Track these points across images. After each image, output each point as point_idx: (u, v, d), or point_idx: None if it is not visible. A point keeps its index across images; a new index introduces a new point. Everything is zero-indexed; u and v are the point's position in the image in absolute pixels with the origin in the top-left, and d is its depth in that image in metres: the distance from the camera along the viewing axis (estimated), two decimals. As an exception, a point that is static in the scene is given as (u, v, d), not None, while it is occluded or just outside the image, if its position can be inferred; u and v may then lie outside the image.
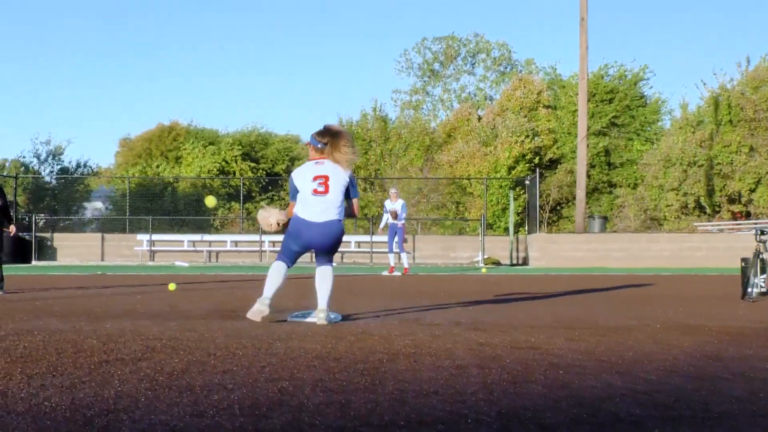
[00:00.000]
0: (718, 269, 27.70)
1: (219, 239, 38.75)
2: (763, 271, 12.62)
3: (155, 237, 37.78)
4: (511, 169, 44.96)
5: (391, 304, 11.41)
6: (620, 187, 47.72)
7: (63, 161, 49.56)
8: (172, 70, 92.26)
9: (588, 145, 40.49)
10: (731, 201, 41.89)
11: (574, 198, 39.44)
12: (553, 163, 48.78)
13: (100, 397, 4.30)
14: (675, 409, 4.10)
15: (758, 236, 12.75)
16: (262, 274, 22.97)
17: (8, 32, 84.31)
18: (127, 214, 40.87)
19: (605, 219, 37.80)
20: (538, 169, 39.83)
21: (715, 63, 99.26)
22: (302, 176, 8.63)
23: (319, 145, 8.64)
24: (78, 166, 50.33)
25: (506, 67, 62.71)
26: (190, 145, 50.83)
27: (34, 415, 3.89)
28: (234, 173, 49.84)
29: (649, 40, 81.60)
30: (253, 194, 50.19)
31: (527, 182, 39.91)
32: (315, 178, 8.53)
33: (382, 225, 24.71)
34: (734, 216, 41.30)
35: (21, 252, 36.27)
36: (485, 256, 34.87)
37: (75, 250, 37.77)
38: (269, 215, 9.05)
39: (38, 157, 49.13)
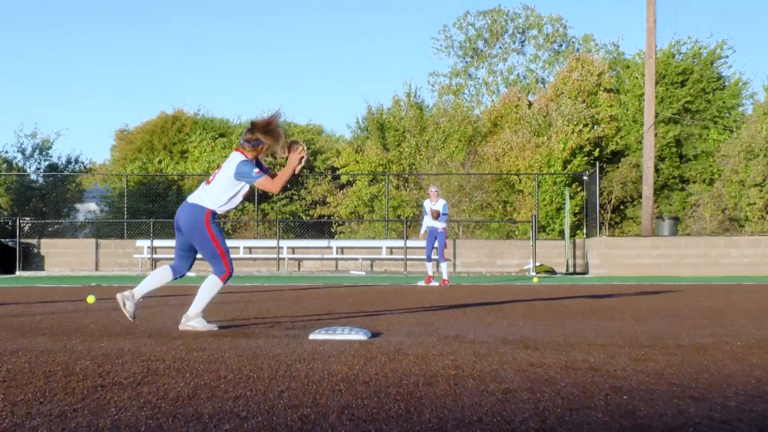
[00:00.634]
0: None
1: (231, 245, 38.73)
2: None
3: (157, 243, 37.93)
4: (566, 162, 44.88)
5: (429, 318, 11.40)
6: (694, 182, 47.49)
7: (51, 157, 49.81)
8: (176, 51, 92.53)
9: (656, 135, 40.34)
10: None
11: (640, 196, 39.31)
12: (616, 156, 48.66)
13: (95, 427, 4.32)
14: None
15: None
16: (280, 284, 23.01)
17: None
18: (125, 216, 41.10)
19: (676, 220, 37.65)
20: (598, 163, 39.73)
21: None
22: None
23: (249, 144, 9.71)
24: (69, 162, 50.54)
25: (561, 45, 62.66)
26: (198, 137, 51.07)
27: (19, 448, 3.92)
28: (247, 169, 49.86)
29: (728, 13, 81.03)
30: (270, 194, 50.21)
31: (585, 178, 39.83)
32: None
33: (423, 230, 24.70)
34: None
35: (4, 261, 36.50)
36: (537, 264, 34.82)
37: (65, 259, 37.94)
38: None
39: (23, 152, 49.45)
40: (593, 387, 5.58)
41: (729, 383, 5.77)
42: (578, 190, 43.30)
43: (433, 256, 24.25)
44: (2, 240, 38.51)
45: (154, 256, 37.49)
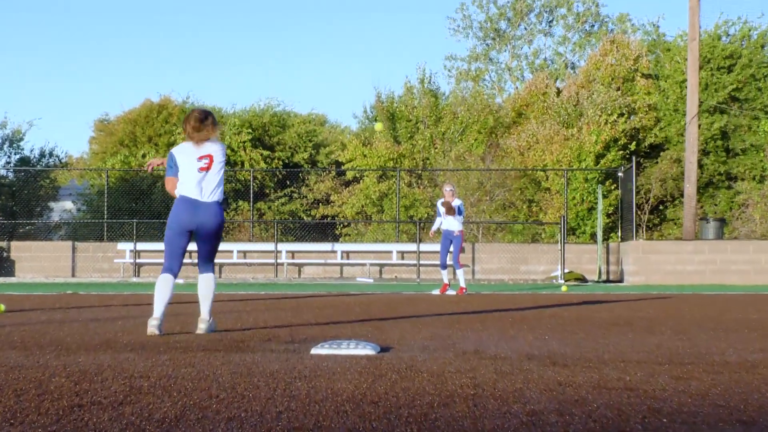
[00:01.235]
0: None
1: (223, 249, 38.80)
2: None
3: (141, 246, 37.97)
4: (599, 157, 44.89)
5: (445, 331, 11.41)
6: (742, 180, 47.45)
7: (23, 150, 49.85)
8: (163, 32, 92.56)
9: (700, 127, 40.33)
10: None
11: (682, 195, 39.29)
12: (655, 150, 48.65)
13: (72, 452, 4.32)
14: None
15: None
16: (278, 293, 23.03)
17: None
18: (105, 217, 41.15)
19: (722, 222, 37.62)
20: (634, 158, 39.69)
21: None
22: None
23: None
24: (42, 155, 50.60)
25: (593, 26, 62.69)
26: (186, 128, 51.03)
27: (-13, 474, 3.92)
28: (242, 164, 50.00)
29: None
30: (267, 190, 50.31)
31: (620, 174, 39.81)
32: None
33: (434, 227, 24.55)
34: None
35: (-30, 266, 36.56)
36: (566, 271, 34.83)
37: (38, 264, 37.98)
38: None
39: (-10, 144, 49.45)
40: (629, 409, 5.58)
41: (781, 405, 5.76)
42: (612, 188, 43.31)
43: (448, 262, 24.23)
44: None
45: (137, 260, 37.49)
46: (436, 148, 49.54)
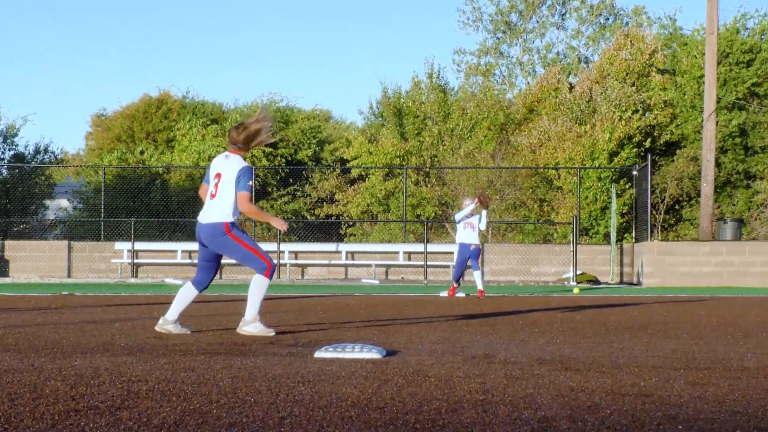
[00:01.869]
0: None
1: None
2: None
3: (139, 246, 37.99)
4: (613, 155, 44.86)
5: (453, 335, 11.41)
6: (761, 179, 47.41)
7: (17, 146, 49.84)
8: (162, 26, 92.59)
9: (717, 124, 40.31)
10: None
11: (699, 194, 39.27)
12: (671, 148, 48.62)
13: (68, 458, 4.33)
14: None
15: None
16: (281, 294, 23.04)
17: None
18: (102, 215, 41.11)
19: (741, 222, 37.60)
20: (649, 156, 39.67)
21: None
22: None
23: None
24: (37, 152, 50.62)
25: (607, 19, 62.65)
26: (186, 124, 51.13)
27: (-20, 481, 3.93)
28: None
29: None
30: (270, 189, 50.35)
31: (635, 173, 39.80)
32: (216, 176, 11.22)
33: (465, 212, 23.67)
34: None
35: (-37, 266, 36.59)
36: (578, 272, 34.83)
37: (33, 263, 37.97)
38: None
39: (-16, 140, 49.49)
40: (644, 415, 5.59)
41: (801, 412, 5.76)
42: (626, 186, 43.30)
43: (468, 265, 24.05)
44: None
45: (136, 260, 37.48)
46: (444, 146, 49.51)
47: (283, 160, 51.43)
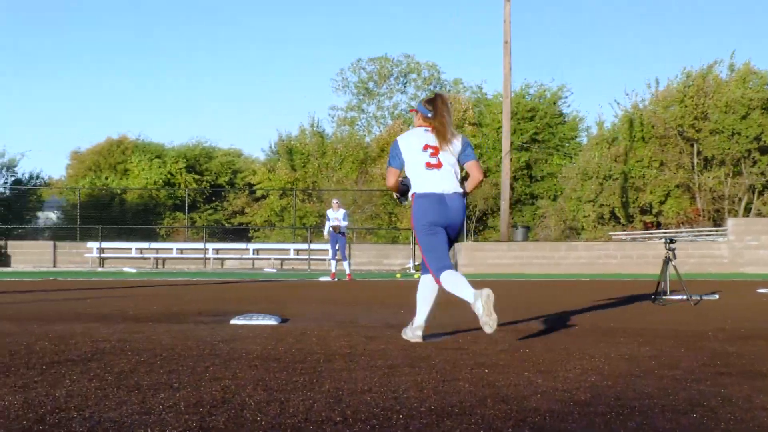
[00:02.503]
0: (631, 275, 28.06)
1: (165, 247, 38.51)
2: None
3: (105, 245, 37.50)
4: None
5: (328, 308, 11.40)
6: (541, 198, 48.12)
7: (17, 173, 48.89)
8: (121, 86, 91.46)
9: (511, 160, 40.81)
10: (643, 212, 42.52)
11: (499, 209, 39.72)
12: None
13: (52, 396, 4.25)
14: (592, 405, 4.15)
15: (668, 245, 12.95)
16: (206, 279, 22.83)
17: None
18: (78, 223, 40.45)
19: (528, 228, 38.12)
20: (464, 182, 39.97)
21: (628, 83, 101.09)
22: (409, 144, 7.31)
23: (429, 114, 7.31)
24: (31, 177, 49.71)
25: (435, 86, 62.97)
26: (138, 158, 50.42)
27: (-12, 414, 3.84)
28: (179, 185, 49.52)
29: (567, 63, 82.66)
30: (198, 204, 49.98)
31: (455, 194, 40.03)
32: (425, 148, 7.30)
33: (326, 231, 23.97)
34: (646, 226, 41.90)
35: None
36: (416, 263, 34.99)
37: (28, 257, 37.32)
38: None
39: (-7, 170, 48.42)
40: (460, 362, 5.63)
41: (568, 360, 5.82)
42: (449, 203, 43.53)
43: (337, 257, 24.08)
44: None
45: (102, 255, 37.11)
46: (322, 174, 49.54)
47: (208, 184, 51.12)
